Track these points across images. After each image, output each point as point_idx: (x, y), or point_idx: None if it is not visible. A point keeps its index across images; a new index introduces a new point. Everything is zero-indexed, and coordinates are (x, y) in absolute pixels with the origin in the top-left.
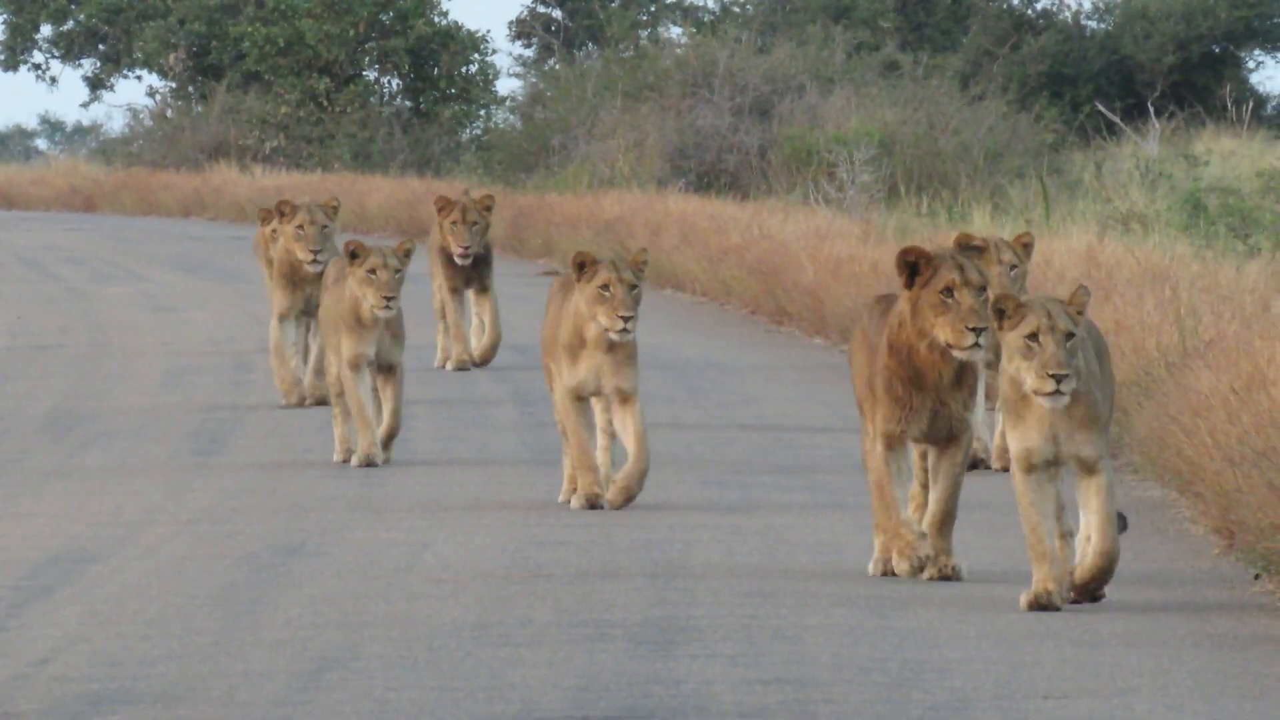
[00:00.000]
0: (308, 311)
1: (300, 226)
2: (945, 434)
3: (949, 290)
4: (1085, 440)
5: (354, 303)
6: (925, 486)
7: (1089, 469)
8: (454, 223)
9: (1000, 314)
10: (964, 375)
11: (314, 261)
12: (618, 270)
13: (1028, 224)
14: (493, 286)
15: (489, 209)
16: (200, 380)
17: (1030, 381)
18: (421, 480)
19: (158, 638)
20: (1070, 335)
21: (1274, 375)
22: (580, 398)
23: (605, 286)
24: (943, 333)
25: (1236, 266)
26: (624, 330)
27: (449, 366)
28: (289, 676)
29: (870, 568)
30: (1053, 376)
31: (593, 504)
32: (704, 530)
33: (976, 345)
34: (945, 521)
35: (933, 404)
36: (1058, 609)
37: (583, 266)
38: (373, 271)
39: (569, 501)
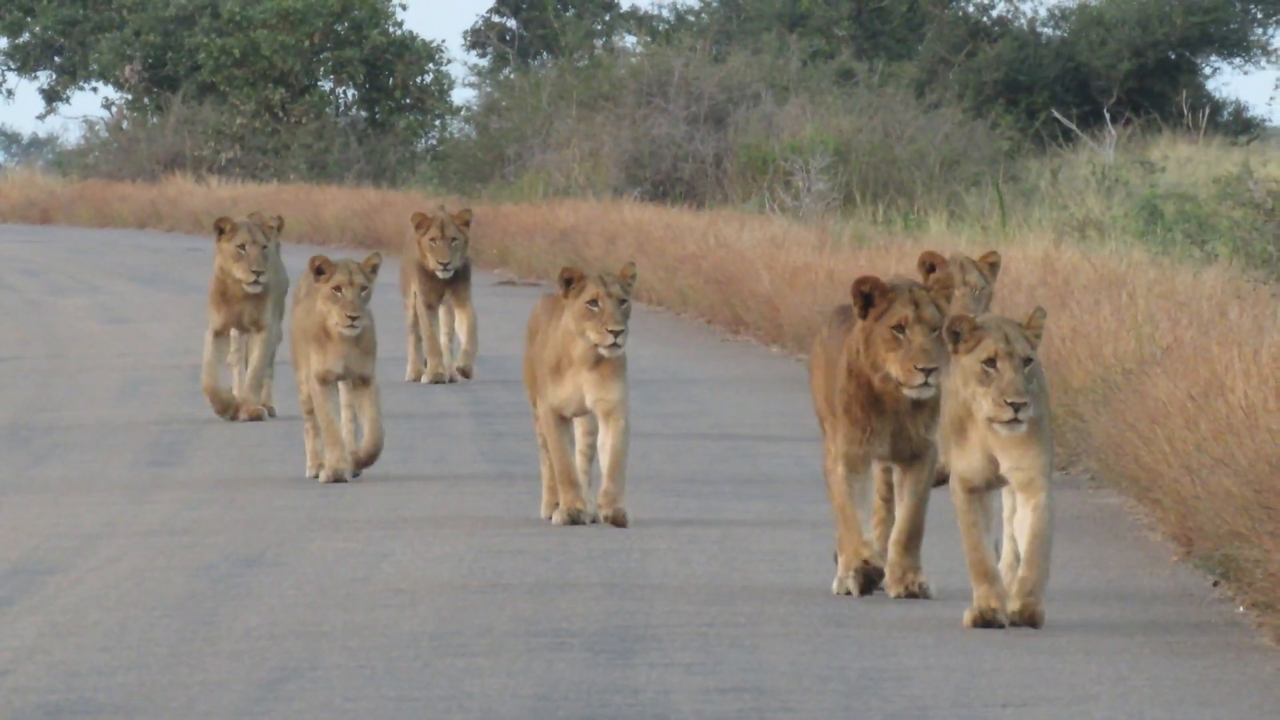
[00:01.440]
0: (242, 326)
1: (241, 246)
2: (908, 453)
3: (900, 327)
4: (1028, 459)
5: (320, 318)
6: (887, 500)
7: (1028, 488)
8: (433, 239)
9: (955, 336)
10: (926, 402)
11: (254, 282)
12: (605, 284)
13: (984, 231)
14: (471, 300)
15: (467, 224)
16: (158, 392)
17: (987, 408)
18: (380, 491)
19: (117, 649)
20: (1028, 360)
21: (1231, 382)
22: (563, 417)
23: (593, 301)
24: (893, 369)
25: (1193, 273)
26: (614, 345)
27: (424, 379)
28: (248, 687)
29: (834, 586)
30: (1011, 404)
31: (574, 520)
32: (661, 540)
33: (926, 384)
34: (912, 538)
35: (893, 426)
36: (1002, 626)
37: (570, 281)
38: (338, 289)
39: (550, 517)
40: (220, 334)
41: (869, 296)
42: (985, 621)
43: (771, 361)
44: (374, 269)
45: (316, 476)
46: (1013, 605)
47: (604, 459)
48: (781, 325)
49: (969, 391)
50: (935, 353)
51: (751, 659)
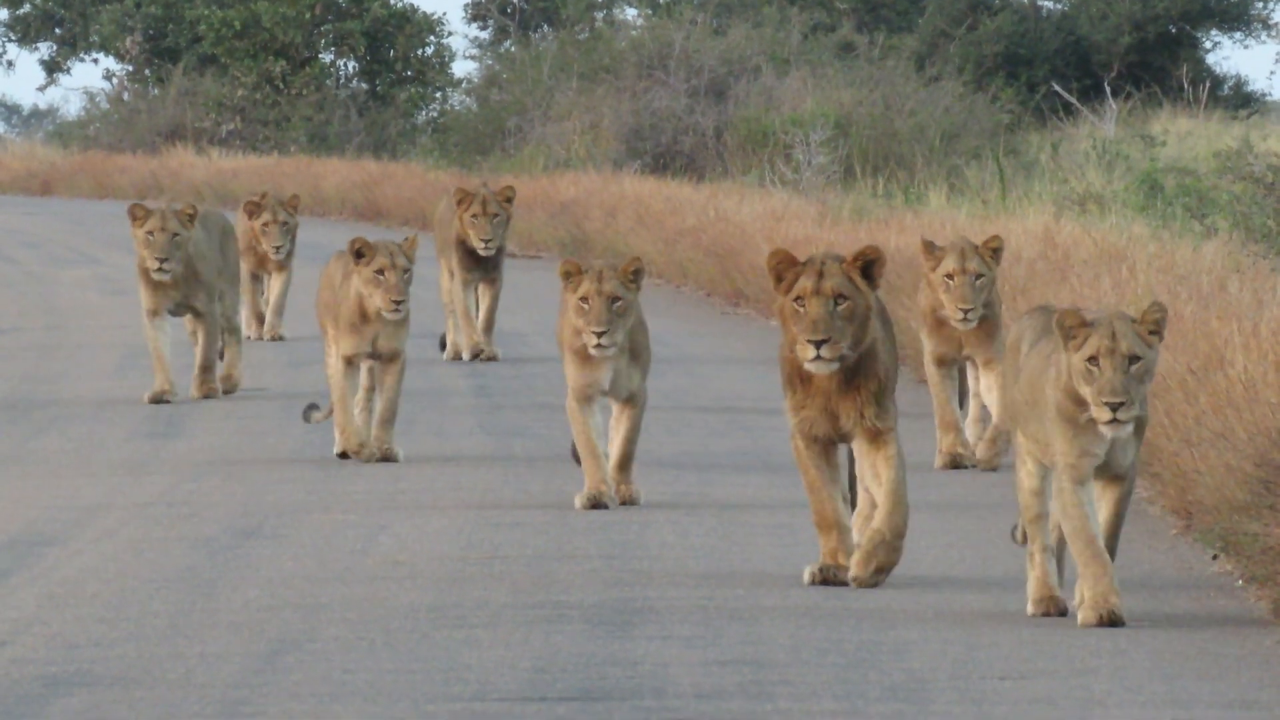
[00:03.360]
0: (173, 310)
1: (150, 233)
2: (867, 437)
3: (800, 299)
4: (1129, 453)
5: (357, 301)
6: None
7: (1117, 480)
8: (474, 215)
9: (1066, 332)
10: (859, 380)
11: (160, 269)
12: (599, 282)
13: (984, 205)
14: (501, 279)
15: (509, 200)
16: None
17: (1092, 409)
18: (378, 465)
19: (115, 620)
20: (1136, 358)
21: (1231, 356)
22: (587, 398)
23: (585, 298)
24: (795, 343)
25: (1193, 247)
26: (599, 346)
27: (465, 356)
28: (246, 658)
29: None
30: (1108, 405)
31: (596, 504)
32: (660, 513)
33: (819, 358)
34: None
35: (824, 404)
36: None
37: (569, 274)
38: (380, 272)
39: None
40: (154, 314)
41: (779, 270)
42: (1111, 622)
43: (771, 335)
44: (413, 249)
45: (344, 455)
46: (1087, 616)
47: (612, 449)
48: None
49: (1082, 391)
50: (829, 324)
51: (750, 632)
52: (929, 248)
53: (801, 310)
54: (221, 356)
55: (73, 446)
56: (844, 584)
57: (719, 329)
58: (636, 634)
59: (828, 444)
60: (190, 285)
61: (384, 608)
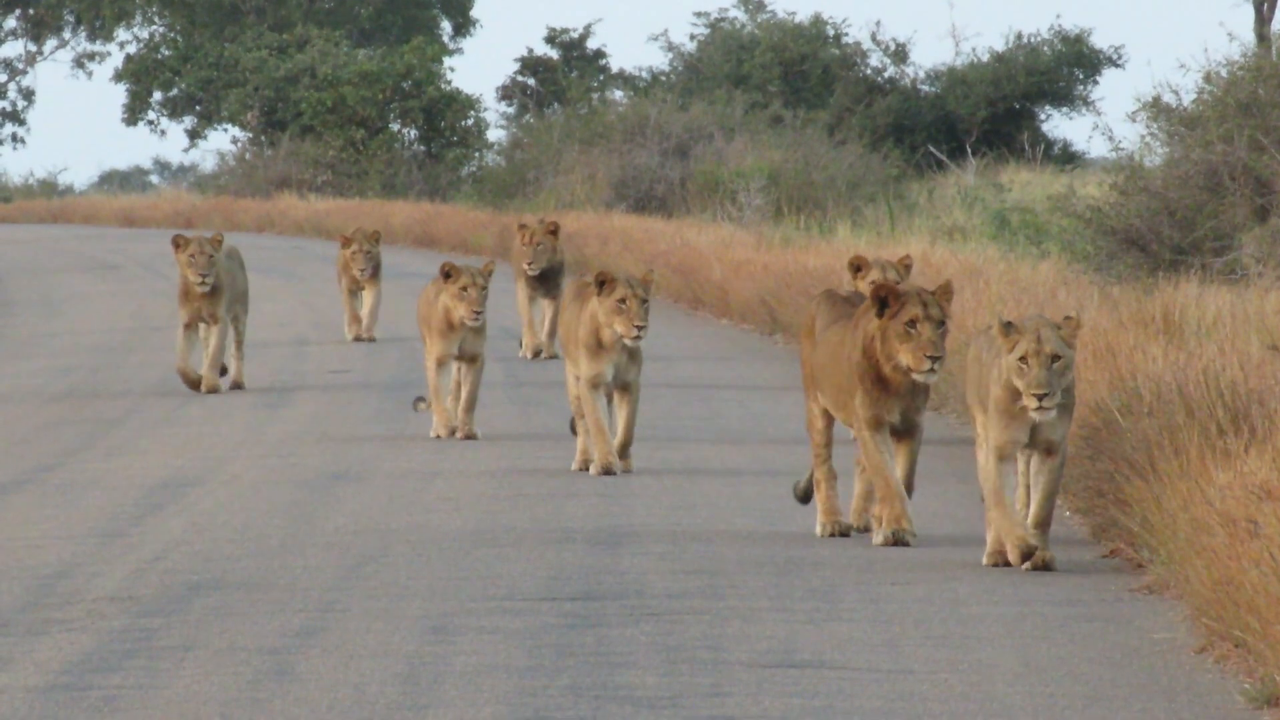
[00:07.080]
0: (202, 319)
1: (192, 255)
2: (905, 427)
3: (913, 323)
4: (1057, 431)
5: (445, 312)
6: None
7: (1050, 451)
8: (524, 244)
9: (1004, 331)
10: (918, 386)
11: (202, 283)
12: (632, 287)
13: (878, 235)
14: (557, 296)
15: (552, 232)
16: (271, 353)
17: (1022, 397)
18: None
19: (240, 541)
20: (1056, 357)
21: None
22: (595, 386)
23: (622, 300)
24: (906, 358)
25: (1032, 266)
26: (637, 337)
27: (527, 355)
28: (336, 569)
29: (877, 538)
30: (1036, 395)
31: (608, 471)
32: (640, 462)
33: (932, 370)
34: (907, 493)
35: (897, 402)
36: (1031, 556)
37: (603, 283)
38: (464, 289)
39: (584, 468)
40: (189, 326)
41: (884, 300)
42: (1027, 555)
43: (721, 330)
44: (490, 273)
45: (439, 436)
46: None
47: (618, 429)
48: (729, 304)
49: (1011, 379)
50: (940, 344)
51: (707, 549)
52: (856, 263)
53: (914, 332)
54: (225, 372)
55: (209, 413)
56: (907, 544)
57: (683, 328)
58: (623, 551)
59: (886, 432)
60: (214, 297)
61: (438, 532)
